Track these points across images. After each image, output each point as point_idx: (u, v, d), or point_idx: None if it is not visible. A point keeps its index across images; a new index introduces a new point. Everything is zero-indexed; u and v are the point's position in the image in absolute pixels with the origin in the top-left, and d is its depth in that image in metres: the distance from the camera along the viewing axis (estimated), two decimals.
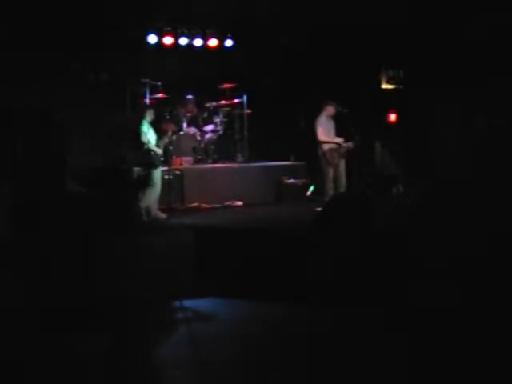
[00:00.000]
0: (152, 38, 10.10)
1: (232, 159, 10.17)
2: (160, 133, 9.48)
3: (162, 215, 7.93)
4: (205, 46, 10.55)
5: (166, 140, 8.30)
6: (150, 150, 7.83)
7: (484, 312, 4.48)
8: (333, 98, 8.68)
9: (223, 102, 10.22)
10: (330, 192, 8.40)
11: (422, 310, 4.64)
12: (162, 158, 7.99)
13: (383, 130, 10.79)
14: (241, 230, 6.97)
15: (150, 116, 8.09)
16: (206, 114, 10.18)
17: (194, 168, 9.57)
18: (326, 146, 8.53)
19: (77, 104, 9.25)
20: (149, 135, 7.93)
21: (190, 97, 10.22)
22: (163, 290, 5.28)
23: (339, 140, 8.61)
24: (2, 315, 4.49)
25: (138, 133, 7.83)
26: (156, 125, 8.78)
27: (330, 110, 8.62)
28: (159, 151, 7.94)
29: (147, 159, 7.84)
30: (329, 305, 4.97)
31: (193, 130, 10.04)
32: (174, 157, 9.36)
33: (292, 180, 9.75)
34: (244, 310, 5.07)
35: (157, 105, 9.01)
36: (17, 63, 8.57)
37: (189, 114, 10.14)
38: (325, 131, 8.56)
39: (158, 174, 8.02)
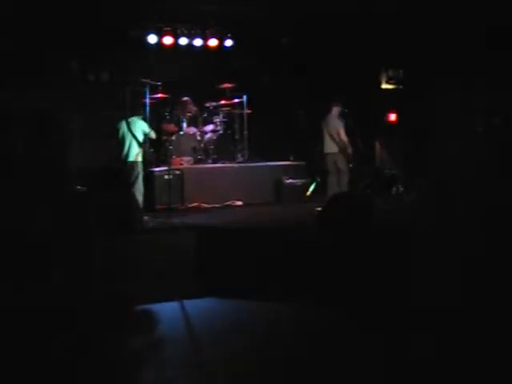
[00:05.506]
0: (152, 38, 10.11)
1: (232, 159, 10.16)
2: (161, 133, 9.53)
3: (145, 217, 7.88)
4: (204, 46, 10.56)
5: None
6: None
7: (484, 312, 4.48)
8: (337, 99, 8.77)
9: (223, 101, 10.22)
10: (337, 189, 8.52)
11: (423, 309, 4.64)
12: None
13: (383, 129, 10.81)
14: (241, 229, 6.97)
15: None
16: (205, 114, 10.18)
17: (194, 168, 9.57)
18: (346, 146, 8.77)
19: (77, 104, 9.27)
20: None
21: (189, 97, 10.22)
22: (163, 290, 5.28)
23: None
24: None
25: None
26: (157, 125, 8.81)
27: (337, 110, 8.82)
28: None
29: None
30: (329, 305, 4.97)
31: (193, 129, 10.04)
32: (174, 157, 9.37)
33: (292, 180, 9.76)
34: (244, 309, 5.08)
35: (157, 105, 9.01)
36: (17, 63, 8.57)
37: (189, 114, 10.14)
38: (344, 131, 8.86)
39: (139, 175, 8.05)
